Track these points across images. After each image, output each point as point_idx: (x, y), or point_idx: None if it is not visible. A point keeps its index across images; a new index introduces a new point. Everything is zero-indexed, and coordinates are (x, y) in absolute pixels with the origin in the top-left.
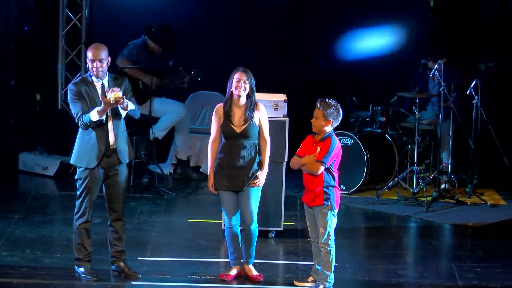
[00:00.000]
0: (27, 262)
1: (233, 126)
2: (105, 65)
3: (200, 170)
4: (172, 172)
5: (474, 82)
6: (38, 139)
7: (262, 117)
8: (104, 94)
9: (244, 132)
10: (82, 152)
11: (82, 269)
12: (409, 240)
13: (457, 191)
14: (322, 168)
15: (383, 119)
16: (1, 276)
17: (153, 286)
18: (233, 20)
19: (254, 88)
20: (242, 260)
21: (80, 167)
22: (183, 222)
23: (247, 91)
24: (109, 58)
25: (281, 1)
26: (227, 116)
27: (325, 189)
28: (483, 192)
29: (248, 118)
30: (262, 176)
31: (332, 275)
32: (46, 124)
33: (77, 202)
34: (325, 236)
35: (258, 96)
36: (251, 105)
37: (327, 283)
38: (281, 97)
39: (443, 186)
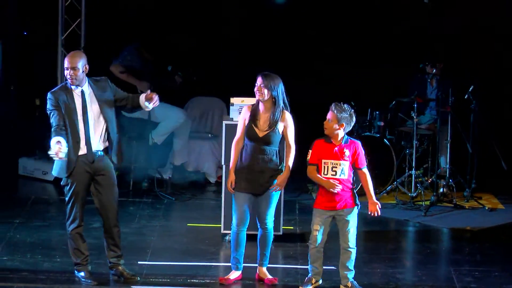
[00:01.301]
0: (27, 266)
1: (256, 130)
2: (79, 73)
3: (200, 174)
4: (171, 176)
5: (471, 87)
6: (37, 144)
7: (288, 126)
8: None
9: (266, 138)
10: (58, 162)
11: (82, 273)
12: (408, 244)
13: (455, 195)
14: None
15: (382, 123)
16: (2, 280)
17: None
18: (230, 24)
19: (280, 95)
20: (258, 263)
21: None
22: (182, 227)
23: (265, 96)
24: (86, 66)
25: (281, 6)
26: (253, 119)
27: (353, 191)
28: (481, 196)
29: (272, 125)
30: (281, 179)
31: None
32: (46, 129)
33: (67, 208)
34: (354, 236)
35: (254, 101)
36: (277, 112)
37: (355, 282)
38: None
39: (441, 190)
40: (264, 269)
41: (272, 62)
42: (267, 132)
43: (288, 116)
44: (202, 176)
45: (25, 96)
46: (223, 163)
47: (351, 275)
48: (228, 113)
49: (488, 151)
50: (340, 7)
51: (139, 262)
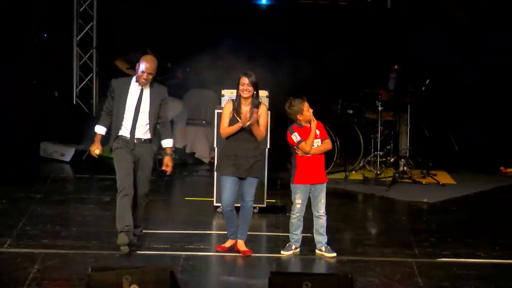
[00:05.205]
0: (47, 235)
1: (239, 121)
2: (151, 77)
3: (195, 155)
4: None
5: (428, 80)
6: (56, 130)
7: (261, 115)
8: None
9: (249, 127)
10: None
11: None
12: (373, 215)
13: (414, 172)
14: None
15: (351, 111)
16: (25, 247)
17: (155, 255)
18: (223, 29)
19: (258, 89)
20: (238, 236)
21: None
22: (180, 200)
23: (251, 93)
24: (156, 70)
25: (267, 14)
26: (236, 112)
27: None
28: (436, 173)
29: (251, 115)
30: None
31: None
32: (63, 117)
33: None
34: (325, 205)
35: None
36: (255, 105)
37: (328, 247)
38: (264, 93)
39: (401, 168)
40: (242, 242)
41: (256, 63)
42: (249, 122)
43: (263, 107)
44: (198, 156)
45: (46, 89)
46: (215, 145)
47: (324, 240)
48: (220, 103)
49: (442, 134)
50: (315, 17)
51: (143, 231)
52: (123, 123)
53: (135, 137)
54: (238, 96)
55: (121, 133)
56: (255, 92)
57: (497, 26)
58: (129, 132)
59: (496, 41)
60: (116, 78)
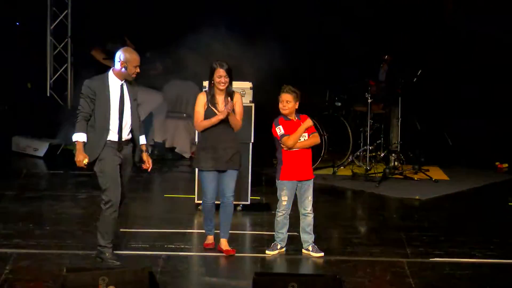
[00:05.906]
0: (20, 234)
1: (216, 112)
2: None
3: (176, 150)
4: (150, 153)
5: (420, 71)
6: (29, 123)
7: (236, 104)
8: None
9: (226, 118)
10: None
11: (107, 254)
12: (363, 212)
13: (405, 168)
14: None
15: (339, 104)
16: None
17: (133, 255)
18: (204, 17)
19: (232, 78)
20: (220, 235)
21: None
22: (159, 197)
23: (227, 84)
24: None
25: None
26: (211, 103)
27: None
28: (428, 168)
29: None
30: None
31: None
32: (36, 109)
33: (104, 192)
34: (311, 202)
35: None
36: (229, 94)
37: (315, 246)
38: (248, 84)
39: (392, 163)
40: (225, 241)
41: (239, 53)
42: None
43: (237, 96)
44: (178, 151)
45: (18, 80)
46: (196, 139)
47: (311, 238)
48: None
49: (435, 128)
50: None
51: (121, 230)
52: (110, 126)
53: (122, 139)
54: (212, 87)
55: (109, 138)
56: (229, 84)
57: (485, 18)
58: (116, 133)
59: (486, 33)
60: (89, 78)
